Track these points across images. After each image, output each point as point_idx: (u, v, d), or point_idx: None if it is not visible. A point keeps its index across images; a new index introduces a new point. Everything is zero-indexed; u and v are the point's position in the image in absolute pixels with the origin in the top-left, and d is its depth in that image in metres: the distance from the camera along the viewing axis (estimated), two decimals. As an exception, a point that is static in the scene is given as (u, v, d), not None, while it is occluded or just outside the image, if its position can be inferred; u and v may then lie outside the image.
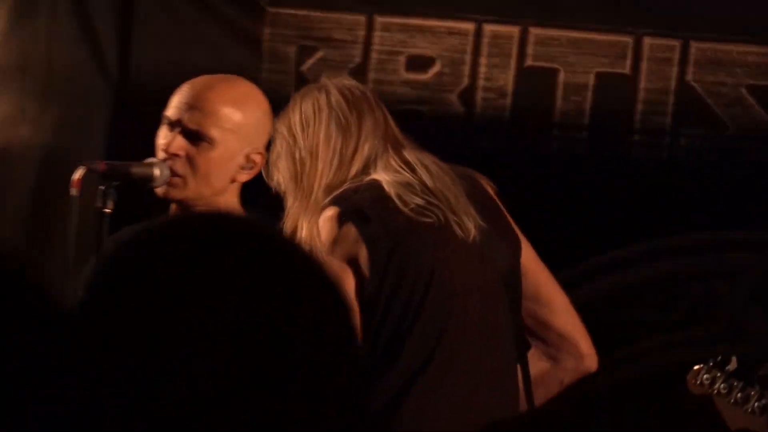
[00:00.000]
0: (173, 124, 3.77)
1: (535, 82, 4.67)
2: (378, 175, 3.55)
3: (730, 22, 4.69)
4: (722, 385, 3.68)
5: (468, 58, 4.61)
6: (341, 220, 3.50)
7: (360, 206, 3.60)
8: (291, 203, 3.71)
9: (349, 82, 3.91)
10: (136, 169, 3.70)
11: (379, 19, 4.83)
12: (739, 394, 3.66)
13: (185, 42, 4.91)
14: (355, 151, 3.71)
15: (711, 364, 3.69)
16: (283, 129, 3.78)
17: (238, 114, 3.92)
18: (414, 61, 4.82)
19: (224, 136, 3.84)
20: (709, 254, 4.98)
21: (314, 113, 3.74)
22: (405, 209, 3.53)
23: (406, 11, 4.77)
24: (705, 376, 3.71)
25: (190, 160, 3.77)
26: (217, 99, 3.92)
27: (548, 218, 4.68)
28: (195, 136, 3.78)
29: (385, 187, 3.52)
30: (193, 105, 3.86)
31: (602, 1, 4.91)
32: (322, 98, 3.73)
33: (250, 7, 4.97)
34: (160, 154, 3.74)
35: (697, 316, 4.87)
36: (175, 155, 3.73)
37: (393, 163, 3.59)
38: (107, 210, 3.62)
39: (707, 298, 4.76)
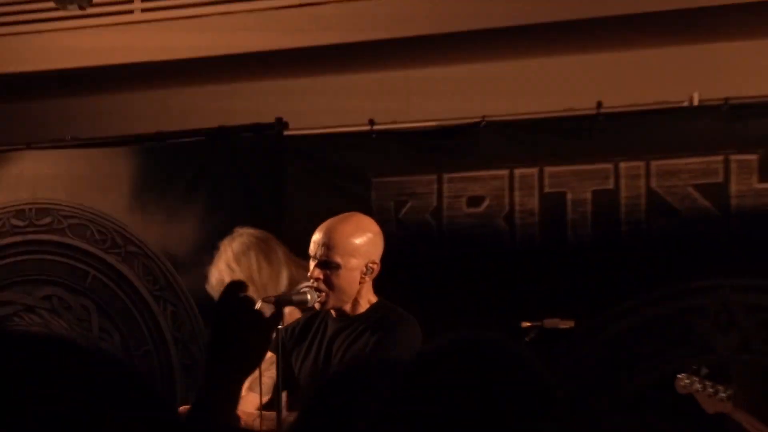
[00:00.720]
0: (314, 258, 5.04)
1: (553, 203, 6.59)
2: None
3: (677, 142, 6.52)
4: (698, 385, 5.42)
5: (506, 192, 6.62)
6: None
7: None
8: None
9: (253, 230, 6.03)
10: (296, 297, 4.99)
11: (446, 176, 6.74)
12: (710, 389, 5.36)
13: (320, 203, 6.50)
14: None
15: (689, 371, 5.39)
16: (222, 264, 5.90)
17: (353, 241, 5.11)
18: (471, 200, 6.72)
19: (346, 260, 5.02)
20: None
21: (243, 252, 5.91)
22: None
23: (462, 168, 6.69)
24: (686, 381, 5.46)
25: (327, 281, 4.95)
26: (337, 235, 5.10)
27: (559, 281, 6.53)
28: (327, 265, 4.99)
29: None
30: (322, 242, 5.09)
31: (589, 145, 6.58)
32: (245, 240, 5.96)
33: (361, 179, 6.86)
34: (310, 281, 5.01)
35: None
36: (318, 279, 4.94)
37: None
38: (280, 327, 4.92)
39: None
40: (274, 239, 6.20)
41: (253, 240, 6.18)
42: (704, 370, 5.43)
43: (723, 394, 5.37)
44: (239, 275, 5.82)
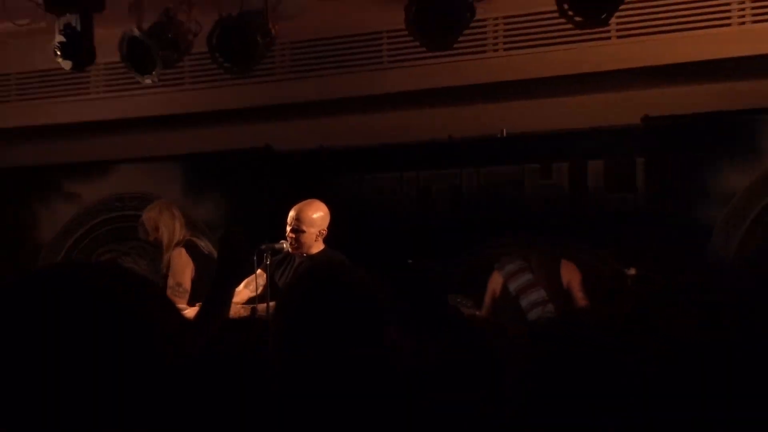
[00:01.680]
0: (289, 225, 6.47)
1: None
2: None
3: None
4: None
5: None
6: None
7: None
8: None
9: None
10: (277, 246, 6.51)
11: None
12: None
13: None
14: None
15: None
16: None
17: (312, 216, 6.49)
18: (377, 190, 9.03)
19: (307, 228, 6.46)
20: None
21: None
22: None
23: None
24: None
25: (296, 239, 6.46)
26: (303, 214, 6.46)
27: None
28: (296, 231, 6.46)
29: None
30: (295, 217, 6.46)
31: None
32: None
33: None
34: (288, 236, 6.47)
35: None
36: (291, 237, 6.45)
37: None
38: (267, 262, 6.48)
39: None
40: (175, 205, 7.55)
41: (163, 203, 7.52)
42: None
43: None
44: (153, 218, 7.32)
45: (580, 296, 6.68)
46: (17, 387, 1.41)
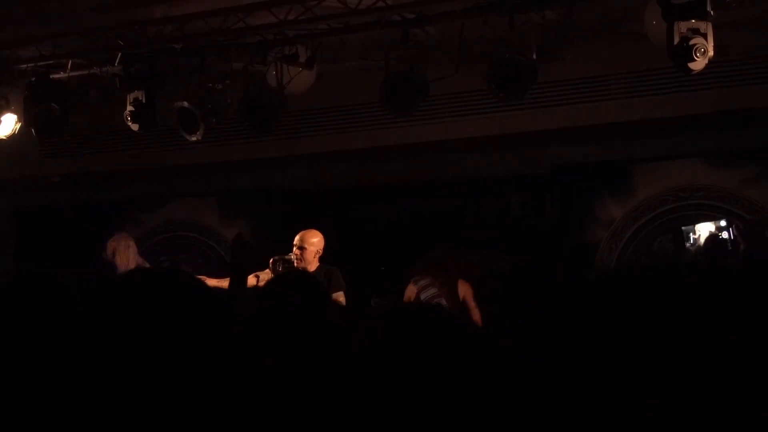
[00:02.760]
0: (295, 245, 6.51)
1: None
2: None
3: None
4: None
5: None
6: None
7: None
8: None
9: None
10: (287, 257, 6.41)
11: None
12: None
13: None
14: None
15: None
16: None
17: (311, 240, 6.54)
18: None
19: (308, 247, 6.50)
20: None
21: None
22: None
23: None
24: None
25: (301, 255, 6.46)
26: (305, 237, 6.54)
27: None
28: (301, 249, 6.49)
29: None
30: (299, 239, 6.52)
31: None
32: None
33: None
34: (294, 252, 6.45)
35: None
36: (296, 254, 6.44)
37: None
38: (280, 269, 6.28)
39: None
40: (131, 238, 7.20)
41: (123, 236, 7.17)
42: None
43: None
44: (113, 247, 6.92)
45: (472, 305, 6.61)
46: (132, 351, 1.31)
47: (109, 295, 1.40)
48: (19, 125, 7.57)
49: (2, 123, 7.57)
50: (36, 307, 2.12)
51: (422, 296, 6.55)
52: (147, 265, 6.61)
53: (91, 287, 1.45)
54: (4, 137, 7.63)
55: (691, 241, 6.79)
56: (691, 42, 5.76)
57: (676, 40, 5.78)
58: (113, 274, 5.17)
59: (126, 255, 6.87)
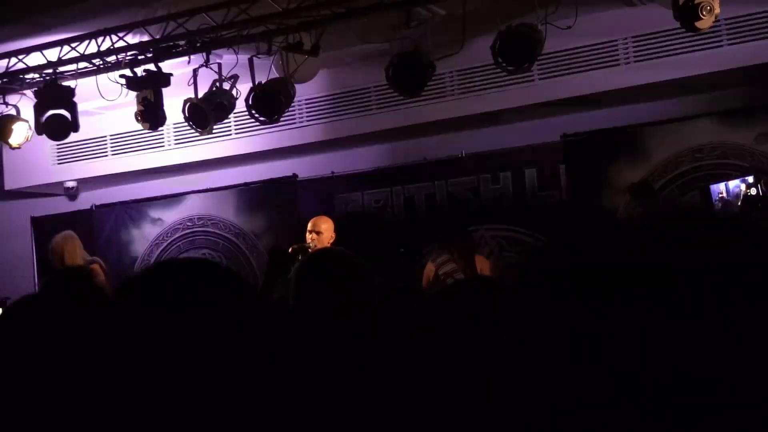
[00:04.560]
0: (309, 231, 6.55)
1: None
2: None
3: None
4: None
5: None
6: None
7: None
8: None
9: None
10: (305, 245, 6.15)
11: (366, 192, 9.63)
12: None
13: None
14: None
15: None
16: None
17: (324, 225, 6.62)
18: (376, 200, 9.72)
19: (324, 233, 6.54)
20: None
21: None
22: None
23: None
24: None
25: (316, 240, 6.45)
26: (319, 223, 6.61)
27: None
28: (317, 232, 6.52)
29: None
30: (312, 225, 6.58)
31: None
32: None
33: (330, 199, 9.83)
34: (309, 238, 6.47)
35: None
36: (312, 239, 6.44)
37: None
38: (299, 257, 5.33)
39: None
40: (76, 237, 6.99)
41: (69, 235, 7.00)
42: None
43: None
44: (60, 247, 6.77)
45: None
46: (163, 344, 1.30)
47: (143, 287, 1.39)
48: (31, 132, 7.60)
49: (14, 132, 7.61)
50: (71, 305, 2.09)
51: (440, 272, 6.54)
52: (98, 263, 6.60)
53: (125, 281, 1.45)
54: (17, 146, 7.68)
55: (717, 198, 6.72)
56: (697, 1, 5.73)
57: (682, 0, 5.76)
58: None
59: (74, 255, 6.73)
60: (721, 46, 7.13)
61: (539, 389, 0.65)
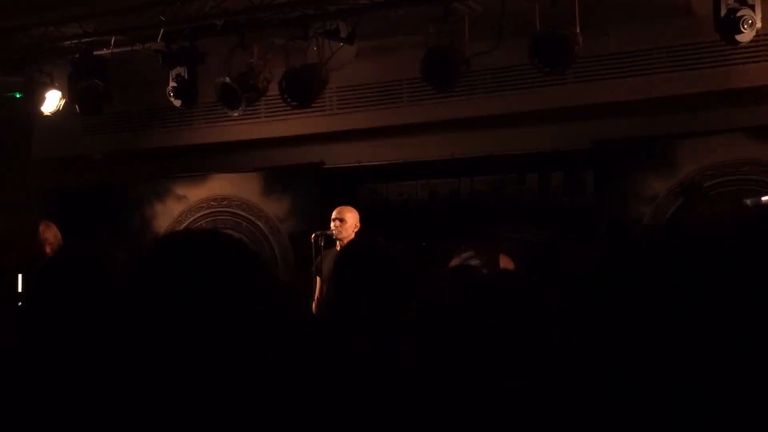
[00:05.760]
0: (333, 219, 6.56)
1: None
2: None
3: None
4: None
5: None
6: None
7: None
8: None
9: None
10: (328, 233, 6.50)
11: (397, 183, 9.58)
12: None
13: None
14: None
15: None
16: None
17: (348, 214, 6.63)
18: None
19: (348, 221, 6.54)
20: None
21: None
22: None
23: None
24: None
25: (339, 227, 6.50)
26: (343, 212, 6.60)
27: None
28: (341, 220, 6.53)
29: None
30: (337, 213, 6.58)
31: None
32: None
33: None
34: (333, 226, 6.50)
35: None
36: (336, 227, 6.49)
37: None
38: (321, 244, 6.55)
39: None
40: (56, 226, 6.69)
41: (50, 224, 6.73)
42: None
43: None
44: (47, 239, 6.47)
45: None
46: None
47: (156, 258, 1.37)
48: (63, 102, 7.62)
49: (47, 100, 7.63)
50: (83, 275, 2.04)
51: None
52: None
53: (142, 251, 1.42)
54: (48, 114, 7.70)
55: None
56: (739, 14, 5.66)
57: (723, 12, 5.68)
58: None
59: (55, 245, 6.51)
60: (759, 61, 6.98)
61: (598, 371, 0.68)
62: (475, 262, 6.46)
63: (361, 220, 6.75)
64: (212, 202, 9.39)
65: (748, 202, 6.57)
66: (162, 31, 7.02)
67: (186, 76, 7.10)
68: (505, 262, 6.57)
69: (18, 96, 7.89)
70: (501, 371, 1.68)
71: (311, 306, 6.08)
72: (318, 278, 6.53)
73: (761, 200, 6.31)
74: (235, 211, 9.26)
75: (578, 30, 6.15)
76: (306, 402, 1.34)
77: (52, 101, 7.57)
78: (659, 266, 0.69)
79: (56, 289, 2.07)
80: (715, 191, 7.48)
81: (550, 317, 1.73)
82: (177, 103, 7.29)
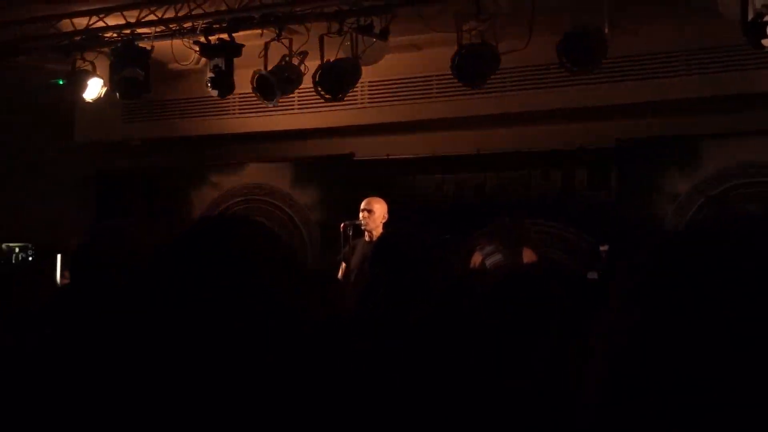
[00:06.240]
0: (362, 210, 6.56)
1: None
2: None
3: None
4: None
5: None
6: None
7: None
8: None
9: None
10: (357, 222, 6.46)
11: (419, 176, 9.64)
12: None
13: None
14: None
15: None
16: None
17: (376, 206, 6.63)
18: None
19: (376, 212, 6.54)
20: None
21: None
22: None
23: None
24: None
25: (369, 217, 6.51)
26: (372, 202, 6.60)
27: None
28: (369, 211, 6.53)
29: None
30: (366, 204, 6.58)
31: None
32: None
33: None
34: (362, 216, 6.52)
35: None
36: (365, 217, 6.50)
37: None
38: (350, 234, 6.48)
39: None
40: None
41: None
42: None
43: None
44: None
45: None
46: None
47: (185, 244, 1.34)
48: (104, 89, 7.74)
49: (89, 87, 7.75)
50: (113, 258, 2.04)
51: (487, 262, 6.37)
52: None
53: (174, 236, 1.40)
54: (90, 100, 7.83)
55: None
56: (766, 18, 5.63)
57: (750, 16, 5.67)
58: None
59: None
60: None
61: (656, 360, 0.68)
62: (497, 257, 6.48)
63: (389, 212, 6.78)
64: (245, 190, 9.52)
65: None
66: (201, 23, 7.08)
67: (223, 67, 7.17)
68: (528, 256, 6.56)
69: (61, 83, 8.00)
70: (501, 371, 1.65)
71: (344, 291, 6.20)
72: (343, 264, 6.56)
73: None
74: (266, 199, 9.37)
75: (606, 30, 6.15)
76: (306, 402, 1.27)
77: (94, 88, 7.69)
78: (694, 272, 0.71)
79: (88, 274, 2.07)
80: (737, 192, 7.48)
81: (552, 318, 1.69)
82: (214, 93, 7.37)
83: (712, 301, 0.68)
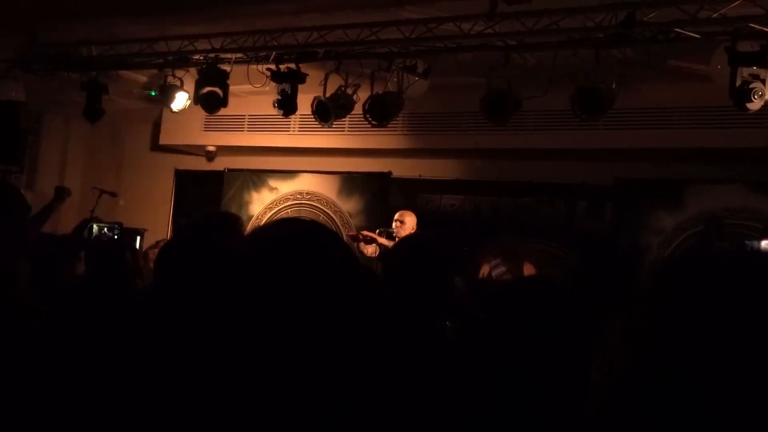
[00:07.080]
0: (395, 221, 6.74)
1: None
2: None
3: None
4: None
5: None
6: None
7: None
8: None
9: None
10: (390, 230, 6.59)
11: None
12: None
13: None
14: None
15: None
16: None
17: (409, 218, 6.78)
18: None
19: (408, 223, 6.68)
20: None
21: None
22: None
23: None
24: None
25: (400, 228, 6.66)
26: (405, 214, 6.77)
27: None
28: (402, 222, 6.67)
29: None
30: (398, 215, 6.76)
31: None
32: None
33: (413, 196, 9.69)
34: (394, 225, 6.66)
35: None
36: (397, 227, 6.67)
37: None
38: (384, 237, 6.59)
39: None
40: None
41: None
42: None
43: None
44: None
45: None
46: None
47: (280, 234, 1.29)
48: (189, 102, 7.81)
49: (176, 99, 7.83)
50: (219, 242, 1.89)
51: (493, 273, 6.36)
52: None
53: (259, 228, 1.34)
54: (176, 110, 7.90)
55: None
56: (751, 86, 5.62)
57: (738, 83, 5.64)
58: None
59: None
60: (762, 127, 6.88)
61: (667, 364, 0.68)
62: (501, 269, 6.45)
63: (418, 224, 6.74)
64: (297, 195, 9.46)
65: (749, 244, 6.46)
66: (274, 53, 7.13)
67: (289, 91, 7.21)
68: (529, 270, 6.53)
69: (153, 94, 8.16)
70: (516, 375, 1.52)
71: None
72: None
73: (762, 245, 6.20)
74: (315, 204, 9.31)
75: (614, 85, 6.12)
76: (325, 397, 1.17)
77: (180, 101, 7.74)
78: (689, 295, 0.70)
79: (180, 267, 1.91)
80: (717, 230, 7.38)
81: (563, 324, 1.58)
82: (279, 112, 7.42)
83: (706, 320, 0.68)
